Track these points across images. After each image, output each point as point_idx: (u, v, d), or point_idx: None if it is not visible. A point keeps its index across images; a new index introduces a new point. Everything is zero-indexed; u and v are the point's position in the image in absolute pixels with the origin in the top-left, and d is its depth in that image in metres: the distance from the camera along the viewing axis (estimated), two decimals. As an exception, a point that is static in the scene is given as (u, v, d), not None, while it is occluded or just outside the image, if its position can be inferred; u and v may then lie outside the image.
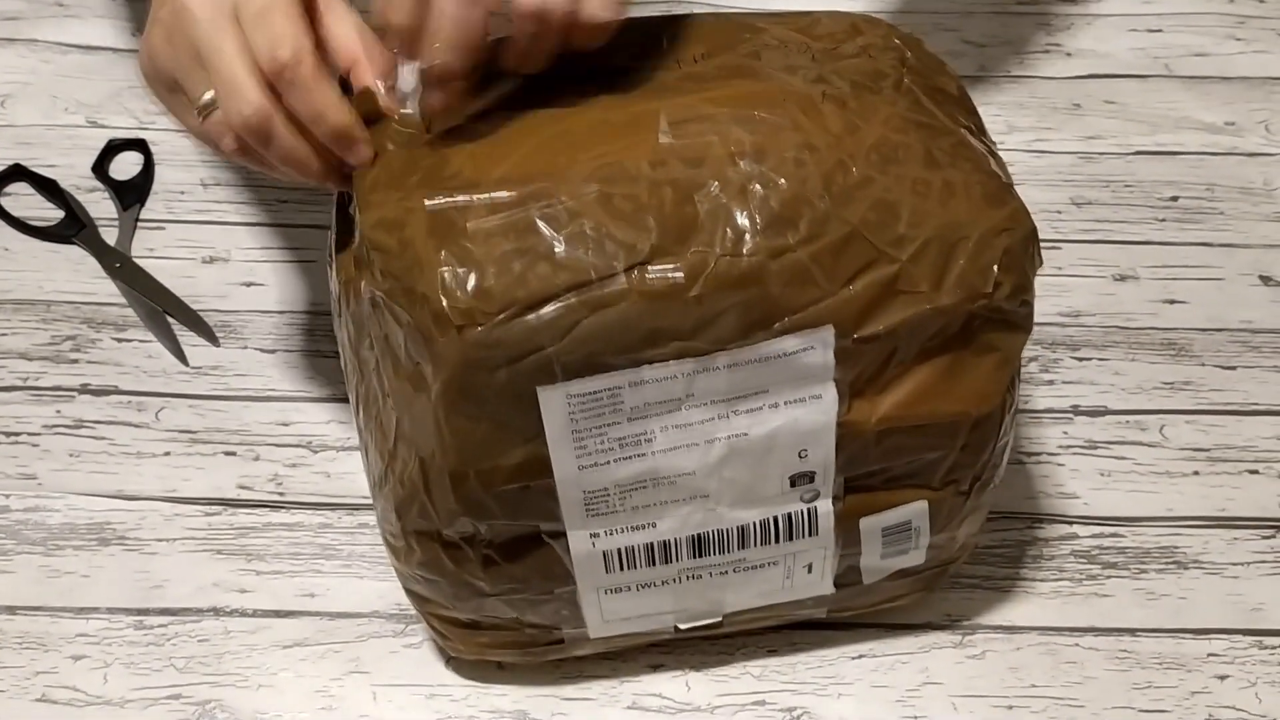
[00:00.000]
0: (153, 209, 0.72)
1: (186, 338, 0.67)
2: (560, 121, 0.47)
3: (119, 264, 0.68)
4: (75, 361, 0.66)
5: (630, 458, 0.46)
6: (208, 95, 0.48)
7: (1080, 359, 0.67)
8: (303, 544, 0.60)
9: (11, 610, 0.58)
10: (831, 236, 0.44)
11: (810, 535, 0.50)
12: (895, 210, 0.45)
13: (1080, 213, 0.73)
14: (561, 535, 0.48)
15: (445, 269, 0.43)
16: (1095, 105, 0.78)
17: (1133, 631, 0.58)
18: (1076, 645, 0.58)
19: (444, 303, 0.43)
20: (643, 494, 0.47)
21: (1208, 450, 0.64)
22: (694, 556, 0.50)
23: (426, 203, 0.45)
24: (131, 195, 0.72)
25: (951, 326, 0.46)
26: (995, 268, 0.46)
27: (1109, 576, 0.60)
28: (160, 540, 0.60)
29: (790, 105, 0.46)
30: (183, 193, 0.73)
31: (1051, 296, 0.69)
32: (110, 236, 0.70)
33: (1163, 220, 0.73)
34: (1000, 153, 0.50)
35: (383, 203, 0.46)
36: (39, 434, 0.64)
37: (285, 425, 0.64)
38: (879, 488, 0.49)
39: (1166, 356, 0.67)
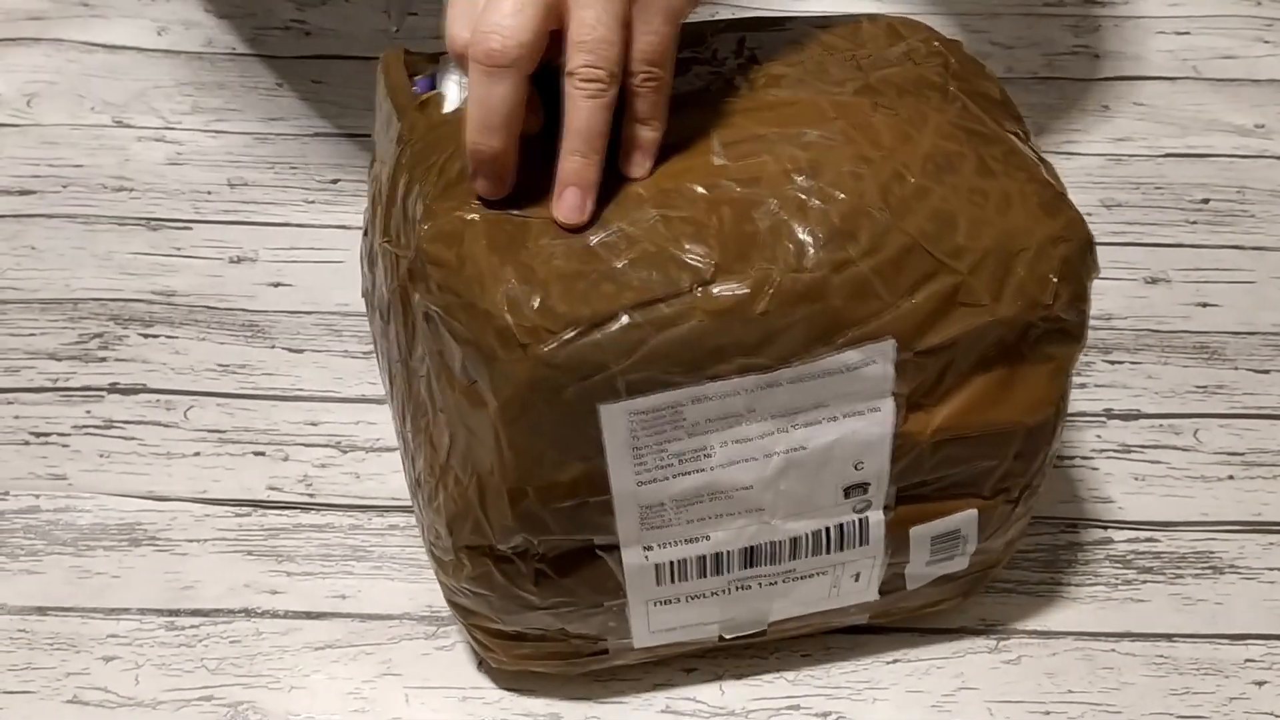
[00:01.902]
0: (179, 209, 0.72)
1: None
2: (613, 147, 0.46)
3: None
4: (103, 360, 0.66)
5: (689, 473, 0.46)
6: None
7: (1112, 362, 0.67)
8: (333, 545, 0.60)
9: (42, 611, 0.58)
10: (892, 248, 0.44)
11: (861, 545, 0.49)
12: (953, 221, 0.45)
13: (1110, 215, 0.73)
14: (615, 549, 0.48)
15: (508, 285, 0.43)
16: (1124, 107, 0.78)
17: (1169, 637, 0.58)
18: (1113, 651, 0.57)
19: (509, 320, 0.43)
20: (698, 508, 0.47)
21: (1242, 454, 0.63)
22: (745, 567, 0.49)
23: (484, 216, 0.44)
24: None
25: (1009, 337, 0.46)
26: (1054, 278, 0.45)
27: (1145, 581, 0.59)
28: (191, 541, 0.60)
29: (841, 119, 0.46)
30: (209, 193, 0.73)
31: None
32: None
33: (1194, 223, 0.72)
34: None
35: (439, 213, 0.45)
36: (69, 434, 0.63)
37: (314, 425, 0.64)
38: (931, 497, 0.49)
39: (1199, 360, 0.67)
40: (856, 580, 0.51)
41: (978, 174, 0.46)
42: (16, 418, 0.64)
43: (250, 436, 0.64)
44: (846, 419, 0.46)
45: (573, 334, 0.43)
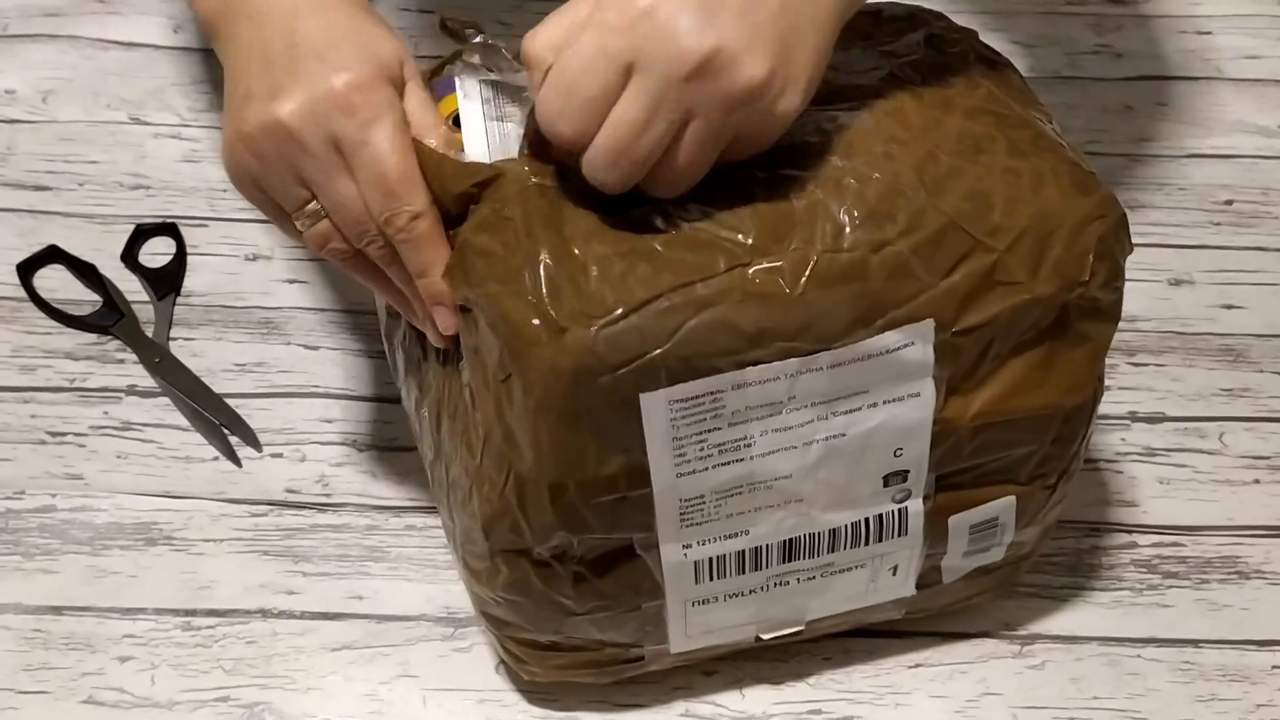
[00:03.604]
0: (195, 206, 0.72)
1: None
2: None
3: (159, 359, 0.64)
4: (121, 362, 0.66)
5: (729, 463, 0.45)
6: (312, 206, 0.45)
7: (1137, 365, 0.66)
8: (350, 546, 0.60)
9: (58, 611, 0.58)
10: (929, 228, 0.44)
11: (900, 535, 0.49)
12: (989, 199, 0.44)
13: (1134, 216, 0.71)
14: (654, 547, 0.47)
15: (547, 271, 0.42)
16: (1146, 107, 0.77)
17: (1195, 643, 0.57)
18: (1138, 656, 0.57)
19: (548, 305, 0.42)
20: (738, 500, 0.47)
21: (1268, 458, 0.63)
22: (784, 562, 0.49)
23: (524, 204, 0.44)
24: (166, 284, 0.67)
25: (1046, 317, 0.46)
26: (1090, 256, 0.45)
27: (1170, 586, 0.59)
28: (207, 541, 0.60)
29: (869, 102, 0.46)
30: (225, 190, 0.72)
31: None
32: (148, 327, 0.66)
33: (1218, 224, 0.72)
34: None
35: (483, 203, 0.45)
36: (85, 435, 0.63)
37: (329, 422, 0.64)
38: (969, 484, 0.49)
39: (1224, 363, 0.66)
40: (894, 574, 0.50)
41: (1009, 154, 0.45)
42: (33, 417, 0.64)
43: (267, 436, 0.63)
44: (887, 405, 0.45)
45: (611, 318, 0.42)
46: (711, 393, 0.44)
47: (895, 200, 0.44)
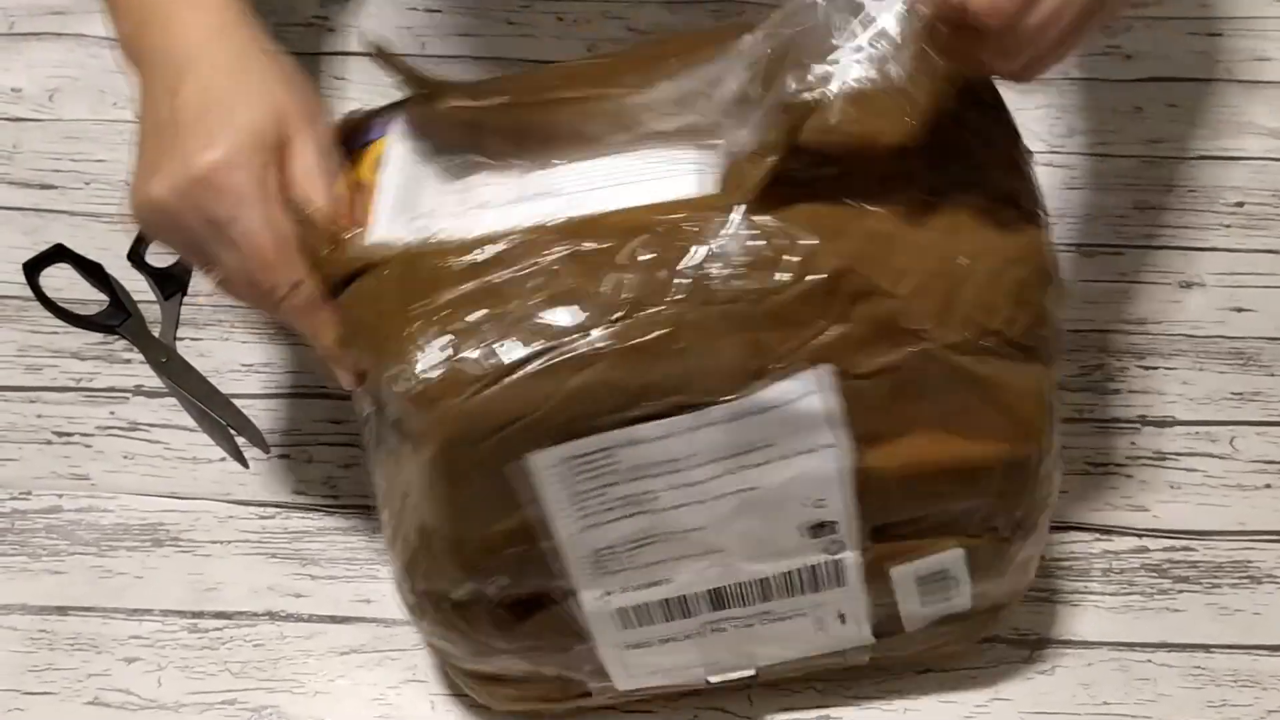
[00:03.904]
0: (202, 206, 0.72)
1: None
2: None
3: (165, 359, 0.64)
4: (128, 362, 0.65)
5: (634, 514, 0.44)
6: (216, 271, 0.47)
7: (1146, 368, 0.66)
8: (357, 549, 0.60)
9: (64, 611, 0.57)
10: (822, 273, 0.42)
11: (837, 585, 0.48)
12: (891, 242, 0.42)
13: (1144, 218, 0.72)
14: (572, 594, 0.47)
15: (420, 341, 0.42)
16: (1157, 109, 0.77)
17: (1206, 648, 0.57)
18: (1149, 661, 0.56)
19: (421, 376, 0.42)
20: (651, 550, 0.46)
21: (1279, 463, 0.62)
22: (714, 609, 0.48)
23: (399, 271, 0.43)
24: (172, 284, 0.66)
25: (966, 365, 0.43)
26: (1008, 302, 0.43)
27: (1180, 591, 0.58)
28: (214, 542, 0.60)
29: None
30: (232, 189, 0.72)
31: (1116, 303, 0.68)
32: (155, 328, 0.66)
33: (1228, 226, 0.71)
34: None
35: (362, 278, 0.44)
36: (92, 435, 0.63)
37: (336, 424, 0.63)
38: (910, 535, 0.47)
39: (1235, 366, 0.66)
40: (844, 622, 0.49)
41: (928, 191, 0.43)
42: (40, 417, 0.63)
43: (274, 438, 0.63)
44: (797, 456, 0.44)
45: (481, 385, 0.41)
46: (603, 449, 0.43)
47: (786, 246, 0.41)
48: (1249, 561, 0.59)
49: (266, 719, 0.55)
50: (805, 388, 0.42)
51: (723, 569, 0.46)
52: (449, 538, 0.45)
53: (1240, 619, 0.58)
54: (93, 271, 0.68)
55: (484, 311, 0.42)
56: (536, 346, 0.41)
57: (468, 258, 0.43)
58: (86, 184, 0.72)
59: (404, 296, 0.43)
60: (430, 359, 0.42)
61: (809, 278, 0.41)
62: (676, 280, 0.42)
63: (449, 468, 0.43)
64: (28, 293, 0.68)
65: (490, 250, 0.43)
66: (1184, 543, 0.60)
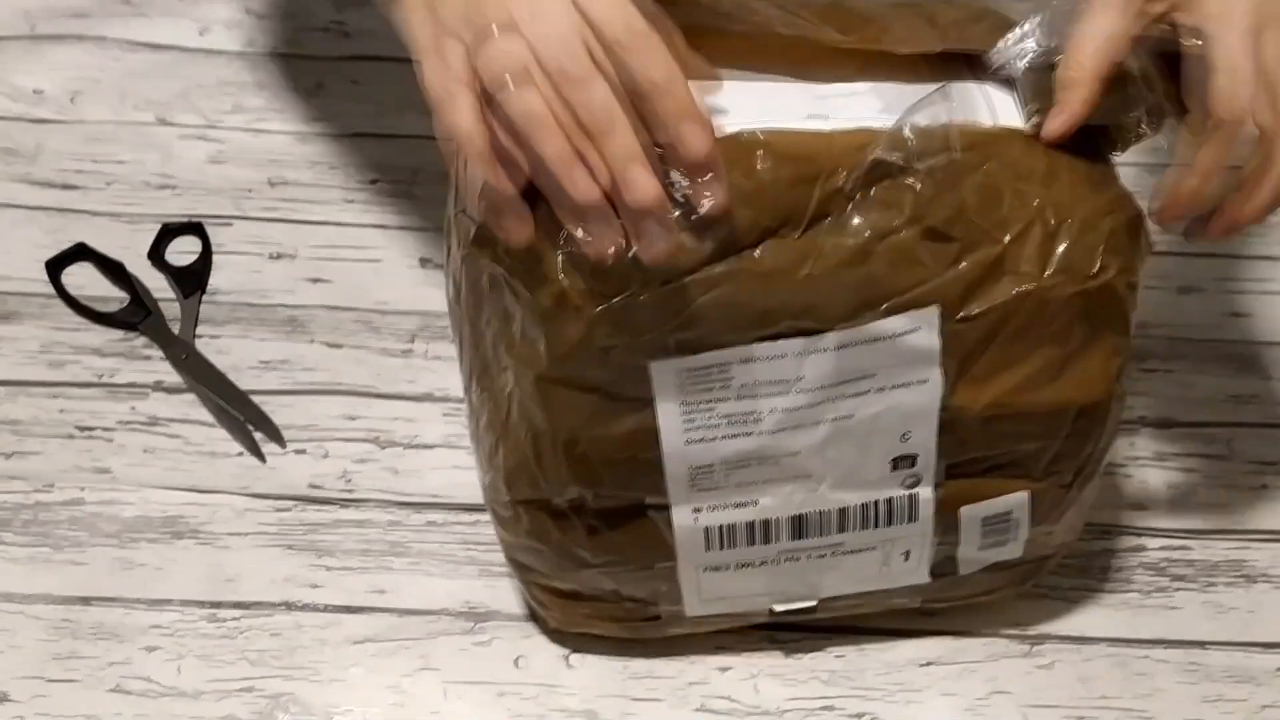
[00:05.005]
0: (221, 206, 0.73)
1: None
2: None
3: (185, 355, 0.66)
4: (148, 359, 0.67)
5: (737, 435, 0.47)
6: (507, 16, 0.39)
7: (1146, 370, 0.67)
8: (372, 541, 0.61)
9: (86, 601, 0.59)
10: (935, 219, 0.45)
11: (910, 521, 0.50)
12: (998, 193, 0.46)
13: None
14: (665, 509, 0.49)
15: (566, 250, 0.44)
16: (1158, 117, 0.78)
17: (1202, 644, 0.58)
18: (1146, 657, 0.58)
19: (564, 283, 0.44)
20: (747, 471, 0.48)
21: (1275, 464, 0.64)
22: (793, 538, 0.50)
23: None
24: (191, 282, 0.68)
25: (1057, 312, 0.46)
26: (1101, 249, 0.46)
27: (1178, 589, 0.60)
28: (233, 535, 0.61)
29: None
30: (250, 191, 0.74)
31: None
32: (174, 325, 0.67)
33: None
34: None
35: None
36: (113, 429, 0.64)
37: (352, 420, 0.65)
38: (980, 475, 0.50)
39: (1232, 369, 0.67)
40: (906, 559, 0.52)
41: (1025, 150, 0.46)
42: (62, 411, 0.65)
43: (291, 433, 0.64)
44: (894, 389, 0.47)
45: (624, 296, 0.44)
46: (720, 365, 0.45)
47: (903, 192, 0.45)
48: (1244, 561, 0.61)
49: (283, 706, 0.56)
50: (912, 324, 0.45)
51: (807, 494, 0.49)
52: (565, 439, 0.47)
53: (1235, 617, 0.59)
54: (114, 270, 0.69)
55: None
56: (675, 266, 0.44)
57: None
58: (108, 184, 0.74)
59: (551, 214, 0.44)
60: (577, 268, 0.44)
61: (924, 221, 0.45)
62: (809, 211, 0.44)
63: (578, 369, 0.46)
64: (51, 290, 0.69)
65: None
66: (1181, 542, 0.61)
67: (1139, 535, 0.61)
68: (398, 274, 0.70)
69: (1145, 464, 0.64)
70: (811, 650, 0.57)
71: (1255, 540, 0.61)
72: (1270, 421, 0.65)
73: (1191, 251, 0.72)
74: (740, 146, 0.45)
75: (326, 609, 0.59)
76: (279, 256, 0.71)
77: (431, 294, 0.67)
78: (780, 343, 0.45)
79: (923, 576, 0.53)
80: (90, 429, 0.64)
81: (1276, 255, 0.72)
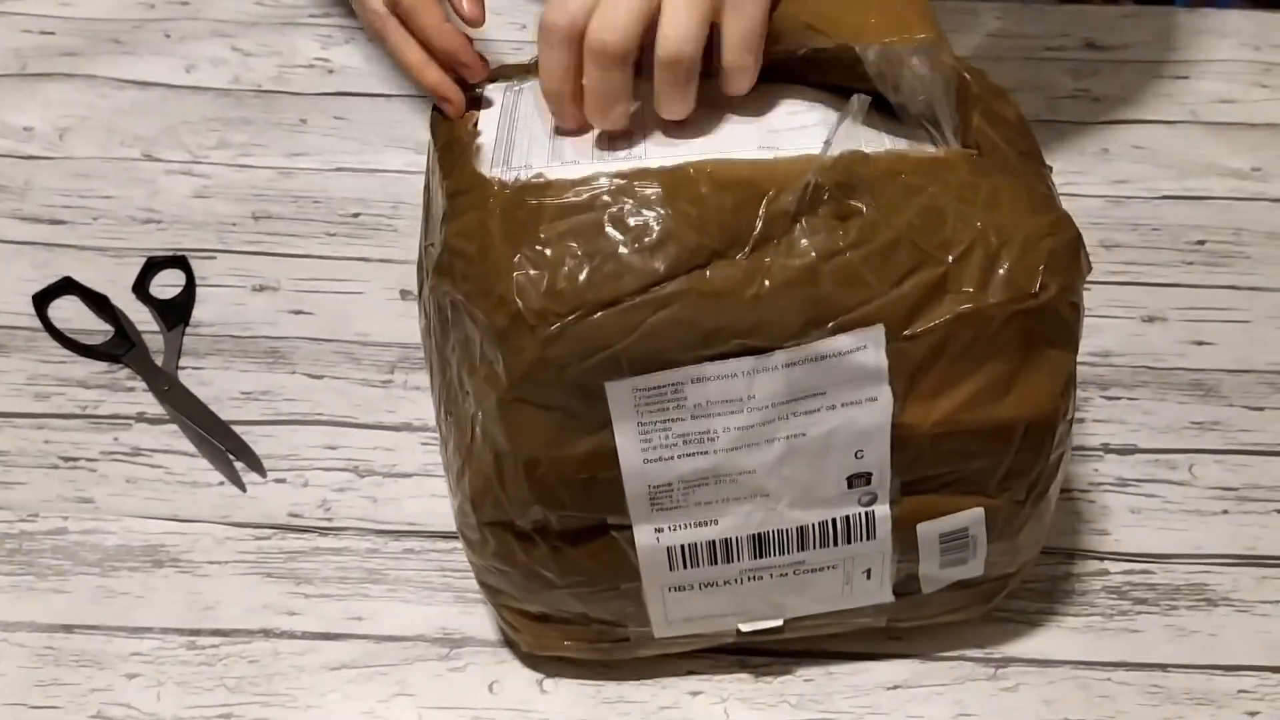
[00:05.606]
0: (205, 240, 0.74)
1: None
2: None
3: (167, 387, 0.67)
4: (132, 390, 0.68)
5: (694, 454, 0.49)
6: None
7: (1110, 398, 0.68)
8: (350, 569, 0.62)
9: (69, 629, 0.60)
10: (879, 241, 0.47)
11: (868, 539, 0.51)
12: (942, 215, 0.48)
13: (1109, 255, 0.75)
14: (627, 528, 0.51)
15: (520, 272, 0.47)
16: (1123, 150, 0.80)
17: (1164, 667, 0.59)
18: (1109, 680, 0.59)
19: (519, 304, 0.46)
20: (705, 490, 0.49)
21: (1236, 489, 0.65)
22: (755, 556, 0.52)
23: (502, 207, 0.48)
24: (175, 315, 0.70)
25: (1001, 330, 0.48)
26: (1041, 269, 0.48)
27: (1140, 612, 0.61)
28: (212, 563, 0.62)
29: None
30: (234, 224, 0.75)
31: (1082, 336, 0.70)
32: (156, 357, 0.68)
33: (1190, 264, 0.74)
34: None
35: (465, 211, 0.49)
36: (96, 460, 0.65)
37: (332, 449, 0.66)
38: (935, 492, 0.51)
39: (1195, 397, 0.68)
40: (868, 577, 0.53)
41: (971, 172, 0.48)
42: (47, 442, 0.66)
43: (271, 463, 0.65)
44: (844, 407, 0.48)
45: (576, 315, 0.46)
46: (673, 384, 0.47)
47: (850, 216, 0.47)
48: (1206, 585, 0.62)
49: (261, 732, 0.57)
50: (859, 342, 0.47)
51: (766, 513, 0.50)
52: (525, 460, 0.49)
53: (1197, 640, 0.60)
54: (99, 303, 0.71)
55: (580, 248, 0.47)
56: (626, 288, 0.46)
57: (567, 197, 0.48)
58: (94, 219, 0.75)
59: (507, 230, 0.48)
60: (531, 288, 0.46)
61: (869, 244, 0.47)
62: (755, 233, 0.47)
63: (535, 389, 0.47)
64: (37, 323, 0.70)
65: (587, 192, 0.48)
66: (1144, 566, 0.62)
67: (1102, 559, 0.63)
68: (378, 306, 0.71)
69: (1108, 489, 0.65)
70: (781, 674, 0.58)
71: (1217, 565, 0.62)
72: (1232, 448, 0.66)
73: (1156, 282, 0.73)
74: (687, 177, 0.48)
75: (304, 636, 0.60)
76: (262, 289, 0.72)
77: (411, 325, 0.69)
78: (730, 361, 0.47)
79: (886, 595, 0.54)
80: (74, 459, 0.65)
81: (1239, 285, 0.73)
